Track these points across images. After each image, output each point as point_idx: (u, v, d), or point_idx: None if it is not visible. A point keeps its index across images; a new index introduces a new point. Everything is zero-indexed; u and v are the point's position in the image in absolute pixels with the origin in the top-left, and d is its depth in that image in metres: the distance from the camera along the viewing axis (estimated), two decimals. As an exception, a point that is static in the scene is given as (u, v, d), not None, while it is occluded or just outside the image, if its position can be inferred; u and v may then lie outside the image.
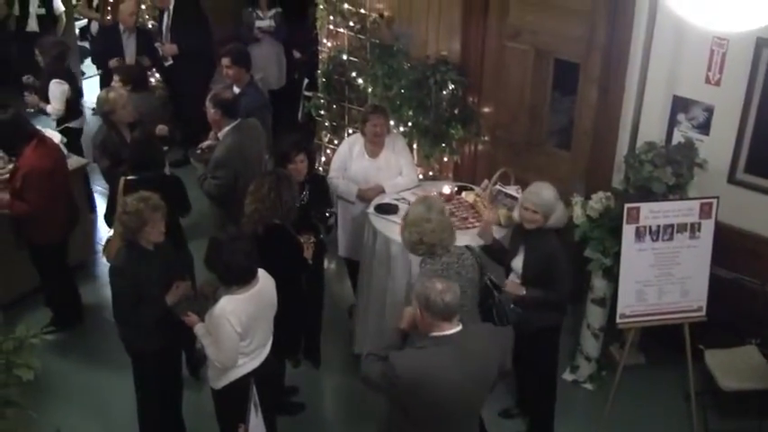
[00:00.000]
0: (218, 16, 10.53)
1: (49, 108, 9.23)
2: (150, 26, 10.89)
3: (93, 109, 10.53)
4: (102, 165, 7.76)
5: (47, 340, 5.14)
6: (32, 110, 9.56)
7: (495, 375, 4.90)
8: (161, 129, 8.36)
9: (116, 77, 8.75)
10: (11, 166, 7.74)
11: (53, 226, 7.51)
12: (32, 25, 11.67)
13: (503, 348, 5.07)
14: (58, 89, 9.12)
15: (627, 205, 6.55)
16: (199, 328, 5.72)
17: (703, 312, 6.75)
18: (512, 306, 5.84)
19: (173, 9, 10.20)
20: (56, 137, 8.54)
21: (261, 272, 5.67)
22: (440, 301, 4.64)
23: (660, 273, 6.65)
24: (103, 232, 9.13)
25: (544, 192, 6.11)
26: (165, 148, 8.23)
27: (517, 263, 6.27)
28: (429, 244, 5.65)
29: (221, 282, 5.60)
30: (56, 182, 7.45)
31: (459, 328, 4.74)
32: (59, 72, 9.20)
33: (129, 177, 6.98)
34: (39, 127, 8.00)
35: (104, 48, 10.27)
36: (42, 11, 11.64)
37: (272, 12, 10.79)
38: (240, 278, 5.52)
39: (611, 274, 6.89)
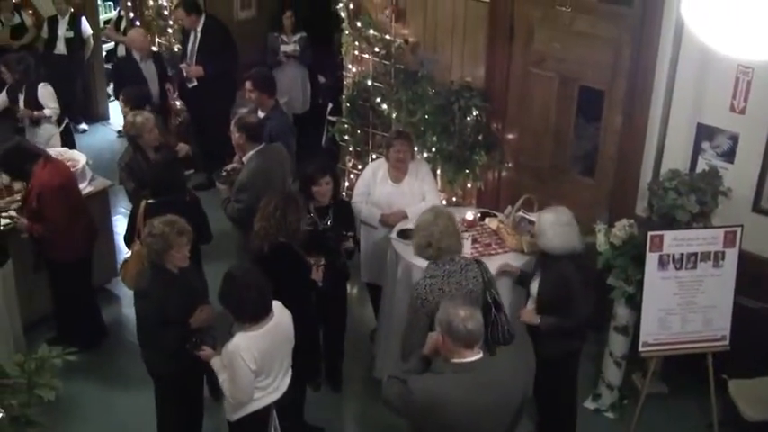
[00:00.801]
0: (243, 40, 10.58)
1: (47, 111, 9.53)
2: (176, 49, 11.01)
3: (119, 131, 10.64)
4: (127, 187, 7.87)
5: (69, 360, 5.18)
6: (28, 121, 9.81)
7: (519, 402, 4.91)
8: (182, 147, 8.45)
9: (120, 98, 8.93)
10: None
11: (72, 243, 7.56)
12: (60, 48, 11.82)
13: (526, 376, 5.11)
14: (47, 90, 9.58)
15: (650, 233, 6.55)
16: (215, 362, 5.71)
17: (727, 342, 6.73)
18: (506, 328, 5.89)
19: (200, 30, 10.24)
20: (82, 158, 8.65)
21: (277, 305, 5.66)
22: (462, 328, 4.66)
23: (683, 301, 6.65)
24: (126, 254, 9.22)
25: (544, 214, 6.17)
26: (191, 171, 8.30)
27: (534, 287, 6.31)
28: (436, 247, 5.78)
29: (235, 318, 5.59)
30: (71, 198, 7.56)
31: (480, 355, 4.77)
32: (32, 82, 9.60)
33: (150, 201, 7.06)
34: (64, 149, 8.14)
35: (122, 77, 10.35)
36: (71, 34, 11.80)
37: (297, 36, 10.88)
38: (254, 316, 5.49)
39: (634, 302, 6.87)
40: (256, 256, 6.44)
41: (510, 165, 8.31)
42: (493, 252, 7.23)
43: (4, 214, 7.78)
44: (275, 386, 5.74)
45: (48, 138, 9.65)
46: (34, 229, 7.40)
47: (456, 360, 4.74)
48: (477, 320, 4.74)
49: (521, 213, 7.38)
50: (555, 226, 6.06)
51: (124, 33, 11.77)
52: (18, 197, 7.96)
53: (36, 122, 9.73)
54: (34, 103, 9.63)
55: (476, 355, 4.75)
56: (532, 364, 5.84)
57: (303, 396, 6.90)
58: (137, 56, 10.27)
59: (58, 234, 7.39)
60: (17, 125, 10.01)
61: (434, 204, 7.07)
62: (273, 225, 6.32)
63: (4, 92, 9.82)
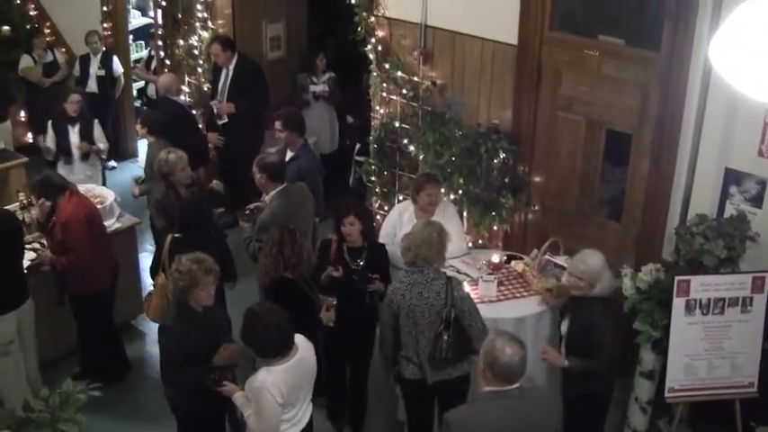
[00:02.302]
0: (272, 80, 10.70)
1: (102, 146, 9.89)
2: (205, 88, 11.15)
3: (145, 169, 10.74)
4: (157, 224, 8.00)
5: (92, 395, 5.23)
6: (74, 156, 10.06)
7: None
8: (216, 184, 8.53)
9: (139, 124, 9.11)
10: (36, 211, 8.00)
11: (95, 276, 7.64)
12: (92, 86, 12.04)
13: (557, 411, 5.30)
14: (99, 127, 10.10)
15: (677, 278, 6.57)
16: (238, 398, 5.75)
17: (755, 388, 6.71)
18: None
19: (233, 68, 10.36)
20: (110, 195, 8.80)
21: (299, 338, 5.69)
22: (505, 366, 4.84)
23: (710, 347, 6.65)
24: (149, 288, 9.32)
25: (590, 259, 6.15)
26: (221, 209, 8.37)
27: (563, 328, 6.37)
28: (414, 253, 6.13)
29: (258, 355, 5.64)
30: (95, 230, 7.65)
31: (517, 385, 4.92)
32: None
33: (176, 235, 7.15)
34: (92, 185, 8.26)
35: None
36: (102, 72, 12.02)
37: (327, 76, 10.99)
38: (277, 352, 5.54)
39: (660, 347, 6.87)
40: (265, 292, 6.66)
41: (536, 208, 8.33)
42: (518, 295, 7.26)
43: (28, 247, 7.88)
44: (299, 417, 5.78)
45: (91, 173, 9.84)
46: (58, 261, 7.49)
47: (492, 388, 4.93)
48: (522, 358, 4.89)
49: (547, 256, 7.43)
50: (604, 270, 6.12)
51: (155, 72, 11.97)
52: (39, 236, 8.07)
53: (85, 157, 9.95)
54: (89, 138, 9.98)
55: (513, 385, 4.91)
56: (560, 401, 5.93)
57: None
58: (173, 97, 10.39)
59: (82, 266, 7.46)
60: (49, 159, 10.16)
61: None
62: (271, 261, 6.53)
63: (50, 126, 9.97)
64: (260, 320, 5.51)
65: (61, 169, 9.79)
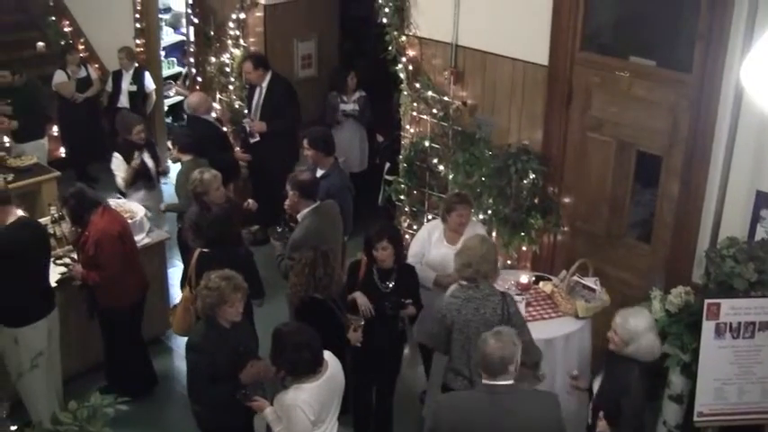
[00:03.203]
0: (303, 98, 10.77)
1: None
2: (237, 105, 11.25)
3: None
4: (193, 245, 7.98)
5: (120, 410, 5.28)
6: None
7: None
8: (252, 203, 8.58)
9: (170, 143, 9.15)
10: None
11: (125, 291, 7.74)
12: (123, 101, 12.20)
13: (554, 417, 5.38)
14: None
15: (707, 301, 6.55)
16: (269, 413, 5.77)
17: (786, 413, 6.67)
18: None
19: (266, 87, 10.44)
20: (140, 210, 8.90)
21: (328, 355, 5.74)
22: (482, 357, 5.24)
23: (741, 371, 6.61)
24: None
25: (632, 318, 5.76)
26: (256, 227, 8.39)
27: (595, 384, 6.11)
28: (475, 269, 6.28)
29: (289, 375, 5.67)
30: (126, 246, 7.73)
31: (511, 382, 5.21)
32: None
33: (203, 250, 7.21)
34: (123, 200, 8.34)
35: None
36: (134, 88, 12.17)
37: (357, 95, 11.03)
38: (307, 371, 5.58)
39: (690, 371, 6.84)
40: (294, 311, 6.72)
41: (565, 229, 8.34)
42: (546, 316, 7.27)
43: (58, 261, 7.97)
44: (329, 432, 5.82)
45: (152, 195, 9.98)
46: (89, 276, 7.56)
47: (486, 381, 5.23)
48: (504, 355, 5.17)
49: (575, 278, 7.42)
50: (648, 332, 5.75)
51: (189, 89, 12.08)
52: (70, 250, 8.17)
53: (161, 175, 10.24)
54: (159, 160, 10.17)
55: (505, 381, 5.18)
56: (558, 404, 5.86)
57: None
58: (203, 116, 10.46)
59: (112, 281, 7.54)
60: (124, 190, 10.02)
61: (480, 233, 7.22)
62: (302, 282, 6.57)
63: (120, 158, 9.79)
64: (289, 341, 5.56)
65: (135, 197, 9.66)
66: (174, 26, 15.10)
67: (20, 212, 7.19)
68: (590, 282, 7.39)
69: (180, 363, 8.32)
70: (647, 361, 5.76)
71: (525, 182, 8.13)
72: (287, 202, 7.77)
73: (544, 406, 5.36)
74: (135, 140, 9.70)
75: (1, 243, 6.96)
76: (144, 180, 9.83)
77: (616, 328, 5.79)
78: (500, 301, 6.30)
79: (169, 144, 9.30)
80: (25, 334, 7.15)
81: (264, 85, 10.43)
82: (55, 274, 7.74)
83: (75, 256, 7.96)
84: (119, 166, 9.70)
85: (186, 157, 9.11)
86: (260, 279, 7.52)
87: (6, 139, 10.97)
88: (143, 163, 9.74)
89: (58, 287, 7.69)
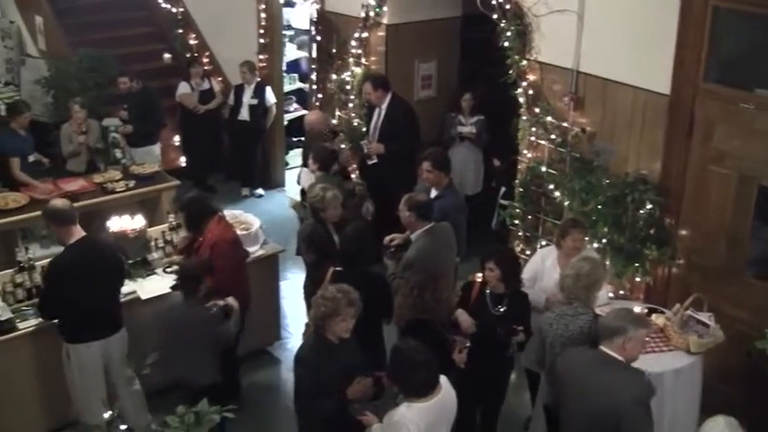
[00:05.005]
0: (422, 118, 10.83)
1: None
2: (355, 123, 11.47)
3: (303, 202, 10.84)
4: (307, 258, 8.18)
5: (227, 418, 5.44)
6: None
7: None
8: (400, 237, 8.59)
9: (310, 156, 9.37)
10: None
11: (239, 292, 7.71)
12: (244, 115, 12.58)
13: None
14: None
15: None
16: (375, 429, 5.86)
17: None
18: None
19: (385, 108, 10.50)
20: (256, 222, 9.15)
21: (443, 380, 5.77)
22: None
23: None
24: (290, 318, 9.65)
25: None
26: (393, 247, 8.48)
27: None
28: (585, 294, 6.53)
29: (402, 393, 5.71)
30: (238, 254, 7.93)
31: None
32: None
33: (338, 269, 7.33)
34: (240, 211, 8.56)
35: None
36: (255, 102, 12.53)
37: (475, 119, 11.11)
38: (421, 391, 5.62)
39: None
40: (401, 330, 6.81)
41: (681, 262, 8.26)
42: (657, 349, 7.24)
43: (168, 269, 8.29)
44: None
45: None
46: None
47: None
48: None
49: (689, 312, 7.36)
50: None
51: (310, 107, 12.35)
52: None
53: None
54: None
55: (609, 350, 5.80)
56: None
57: None
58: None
59: (222, 288, 7.61)
60: None
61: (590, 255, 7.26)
62: (410, 304, 6.67)
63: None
64: (407, 359, 5.62)
65: None
66: (297, 43, 15.40)
67: (82, 233, 7.21)
68: (704, 317, 7.32)
69: (287, 375, 8.49)
70: None
71: (642, 212, 8.12)
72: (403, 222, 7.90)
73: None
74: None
75: (60, 262, 7.12)
76: None
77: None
78: (590, 320, 6.41)
79: (310, 161, 9.37)
80: (78, 351, 7.26)
81: (384, 106, 10.49)
82: (169, 281, 7.98)
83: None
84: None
85: (320, 173, 9.21)
86: (392, 302, 7.36)
87: (122, 143, 11.46)
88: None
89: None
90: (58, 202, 7.28)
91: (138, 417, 7.60)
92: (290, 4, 14.43)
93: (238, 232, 8.45)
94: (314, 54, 12.31)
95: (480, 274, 7.21)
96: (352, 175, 10.88)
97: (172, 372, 7.32)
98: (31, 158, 10.97)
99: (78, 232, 7.15)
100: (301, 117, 13.01)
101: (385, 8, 10.98)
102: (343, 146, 11.01)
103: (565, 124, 8.82)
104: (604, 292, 7.82)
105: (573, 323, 6.41)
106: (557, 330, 6.46)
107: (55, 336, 7.31)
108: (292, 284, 9.97)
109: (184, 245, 8.21)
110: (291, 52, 15.06)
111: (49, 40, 14.06)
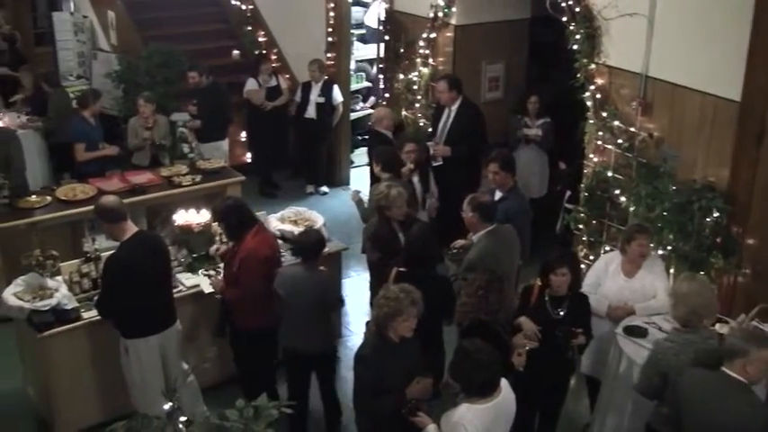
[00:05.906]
0: (488, 119, 10.81)
1: None
2: (421, 123, 11.50)
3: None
4: (371, 257, 8.26)
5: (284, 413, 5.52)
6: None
7: None
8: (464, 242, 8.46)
9: (374, 158, 9.41)
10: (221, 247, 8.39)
11: (261, 314, 7.63)
12: (311, 112, 12.69)
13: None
14: None
15: None
16: (431, 430, 5.87)
17: None
18: None
19: (455, 110, 10.48)
20: (319, 219, 9.23)
21: (504, 383, 5.80)
22: None
23: None
24: (352, 316, 9.77)
25: None
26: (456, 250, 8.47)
27: None
28: (699, 318, 6.29)
29: (463, 391, 5.73)
30: (271, 271, 7.64)
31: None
32: None
33: (402, 269, 7.39)
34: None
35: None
36: (322, 99, 12.63)
37: (541, 121, 11.05)
38: (482, 392, 5.65)
39: None
40: (461, 331, 6.82)
41: (747, 271, 8.17)
42: (720, 359, 7.18)
43: (204, 273, 8.37)
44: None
45: None
46: (229, 292, 7.71)
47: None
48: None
49: (754, 323, 7.29)
50: None
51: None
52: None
53: None
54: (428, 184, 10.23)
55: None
56: None
57: None
58: (383, 130, 10.71)
59: (248, 303, 7.59)
60: None
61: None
62: (474, 303, 6.69)
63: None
64: (471, 358, 5.66)
65: None
66: (365, 41, 15.44)
67: (135, 228, 7.28)
68: (768, 328, 7.26)
69: (347, 373, 8.54)
70: None
71: (708, 220, 8.06)
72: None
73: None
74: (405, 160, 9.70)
75: (117, 259, 7.15)
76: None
77: None
78: (719, 343, 6.19)
79: (374, 162, 9.38)
80: (136, 346, 7.33)
81: (454, 108, 10.47)
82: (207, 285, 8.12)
83: (218, 268, 8.30)
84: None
85: (385, 175, 9.14)
86: (454, 302, 7.32)
87: (191, 137, 11.62)
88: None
89: (198, 297, 8.11)
90: (109, 199, 7.34)
91: (194, 409, 7.64)
92: (362, 4, 14.51)
93: (299, 229, 8.51)
94: (382, 53, 12.38)
95: (539, 280, 7.21)
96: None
97: (290, 340, 7.53)
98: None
99: (131, 228, 7.22)
100: (368, 116, 13.11)
101: (453, 9, 11.05)
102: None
103: (632, 129, 8.79)
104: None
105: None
106: (683, 360, 6.09)
107: (115, 327, 7.46)
108: (355, 282, 10.07)
109: (224, 252, 8.23)
110: (359, 50, 15.03)
111: (120, 34, 14.38)
